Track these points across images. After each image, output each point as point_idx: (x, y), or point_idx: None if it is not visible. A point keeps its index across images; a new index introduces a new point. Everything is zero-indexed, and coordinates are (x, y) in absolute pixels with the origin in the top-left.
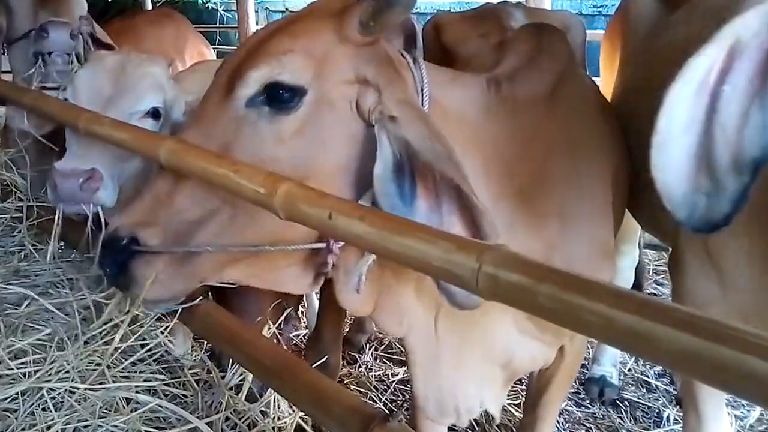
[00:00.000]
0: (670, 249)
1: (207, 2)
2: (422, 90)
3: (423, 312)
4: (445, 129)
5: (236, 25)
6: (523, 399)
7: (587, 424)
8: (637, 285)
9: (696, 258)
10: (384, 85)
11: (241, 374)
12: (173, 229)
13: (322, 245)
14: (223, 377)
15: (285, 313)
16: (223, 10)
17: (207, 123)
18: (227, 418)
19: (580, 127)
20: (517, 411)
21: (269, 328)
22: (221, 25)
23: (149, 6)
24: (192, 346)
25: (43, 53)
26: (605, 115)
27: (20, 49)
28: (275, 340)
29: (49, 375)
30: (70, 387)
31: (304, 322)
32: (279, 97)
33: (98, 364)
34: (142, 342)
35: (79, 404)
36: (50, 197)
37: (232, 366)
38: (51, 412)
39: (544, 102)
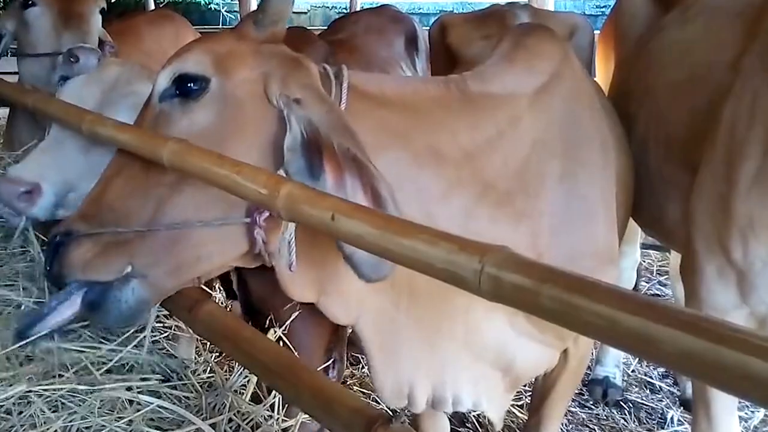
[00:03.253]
0: (681, 254)
1: (210, 3)
2: (341, 84)
3: (375, 296)
4: (380, 117)
5: None
6: (527, 400)
7: (591, 425)
8: (634, 285)
9: (713, 264)
10: (287, 73)
11: (246, 376)
12: (102, 216)
13: (248, 220)
14: (227, 379)
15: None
16: (225, 11)
17: (139, 125)
18: (230, 420)
19: (577, 127)
20: (520, 412)
21: (275, 331)
22: (224, 27)
23: (152, 7)
24: (195, 347)
25: (70, 78)
26: (608, 117)
27: (36, 65)
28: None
29: (52, 376)
30: (72, 388)
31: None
32: (185, 88)
33: (100, 365)
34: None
35: (80, 405)
36: None
37: (236, 367)
38: (51, 412)
39: (528, 99)
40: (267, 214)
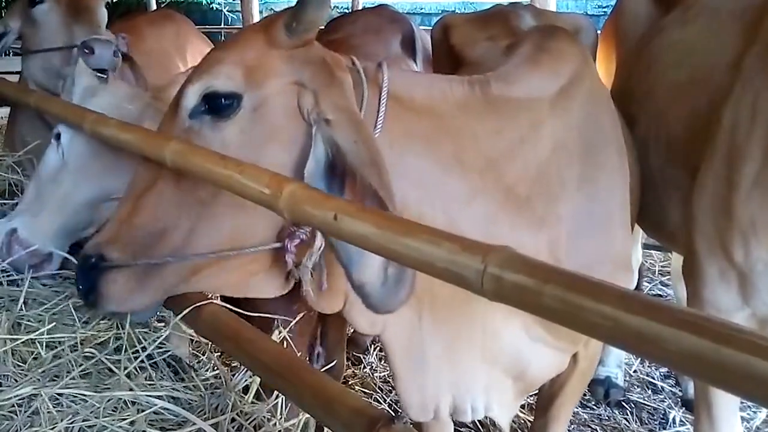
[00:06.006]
0: (683, 255)
1: (211, 3)
2: (380, 92)
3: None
4: (408, 122)
5: (241, 26)
6: (528, 401)
7: (593, 426)
8: (636, 285)
9: (715, 266)
10: (320, 89)
11: (250, 376)
12: (135, 243)
13: (278, 245)
14: (231, 379)
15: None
16: (227, 11)
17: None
18: (233, 420)
19: (595, 130)
20: (521, 412)
21: (279, 332)
22: (225, 26)
23: (154, 7)
24: (195, 347)
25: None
26: (618, 119)
27: (43, 60)
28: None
29: (56, 377)
30: (74, 390)
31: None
32: (217, 105)
33: (103, 366)
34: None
35: (83, 404)
36: None
37: (240, 367)
38: (53, 413)
39: (549, 103)
40: (298, 240)
